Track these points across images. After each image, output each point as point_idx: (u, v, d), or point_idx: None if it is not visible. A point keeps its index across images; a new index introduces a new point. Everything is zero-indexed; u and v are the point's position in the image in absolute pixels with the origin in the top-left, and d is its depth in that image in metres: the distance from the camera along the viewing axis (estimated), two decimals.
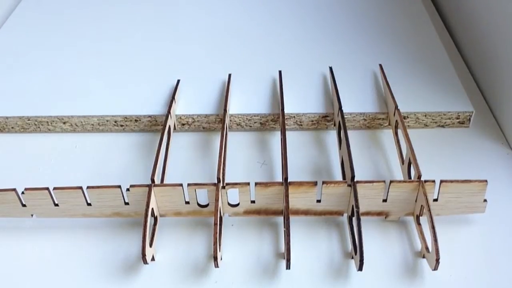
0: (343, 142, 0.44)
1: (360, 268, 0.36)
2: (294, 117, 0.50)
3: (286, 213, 0.38)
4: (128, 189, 0.40)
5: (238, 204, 0.41)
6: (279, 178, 0.43)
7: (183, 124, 0.50)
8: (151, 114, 0.50)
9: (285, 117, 0.48)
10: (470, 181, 0.39)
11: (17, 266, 0.40)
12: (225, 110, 0.47)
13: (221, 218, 0.40)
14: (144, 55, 0.57)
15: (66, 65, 0.56)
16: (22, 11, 0.66)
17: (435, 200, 0.40)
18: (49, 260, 0.40)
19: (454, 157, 0.48)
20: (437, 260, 0.36)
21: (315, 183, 0.39)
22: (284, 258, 0.38)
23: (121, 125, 0.50)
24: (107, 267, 0.39)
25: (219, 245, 0.38)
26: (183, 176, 0.46)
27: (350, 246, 0.40)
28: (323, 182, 0.39)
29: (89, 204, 0.41)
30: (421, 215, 0.40)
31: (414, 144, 0.43)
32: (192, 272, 0.39)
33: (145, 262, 0.37)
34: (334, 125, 0.50)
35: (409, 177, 0.43)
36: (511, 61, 0.49)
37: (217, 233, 0.37)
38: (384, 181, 0.39)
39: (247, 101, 0.51)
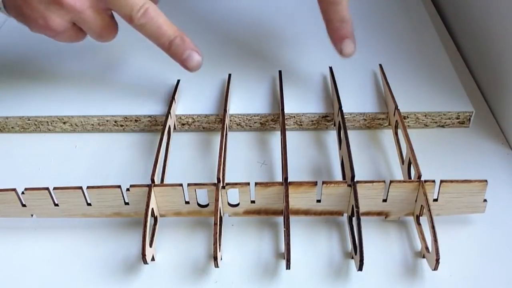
0: (343, 142, 0.44)
1: (360, 268, 0.36)
2: (294, 117, 0.50)
3: (286, 213, 0.38)
4: (128, 189, 0.40)
5: (238, 204, 0.41)
6: (279, 178, 0.43)
7: (183, 124, 0.50)
8: (151, 114, 0.50)
9: (285, 117, 0.48)
10: (470, 181, 0.39)
11: (17, 266, 0.40)
12: (225, 110, 0.47)
13: (221, 218, 0.40)
14: (144, 55, 0.57)
15: (66, 65, 0.56)
16: None
17: (435, 200, 0.40)
18: (49, 260, 0.40)
19: (454, 157, 0.47)
20: (437, 260, 0.36)
21: (315, 183, 0.39)
22: (284, 258, 0.38)
23: (121, 125, 0.50)
24: (107, 267, 0.39)
25: (219, 245, 0.38)
26: (183, 176, 0.46)
27: (350, 246, 0.40)
28: (323, 182, 0.39)
29: (89, 204, 0.41)
30: (421, 215, 0.40)
31: (414, 144, 0.43)
32: (192, 272, 0.39)
33: (145, 262, 0.37)
34: (334, 125, 0.50)
35: (409, 177, 0.43)
36: (511, 61, 0.49)
37: (217, 233, 0.37)
38: (384, 181, 0.39)
39: (247, 101, 0.51)
